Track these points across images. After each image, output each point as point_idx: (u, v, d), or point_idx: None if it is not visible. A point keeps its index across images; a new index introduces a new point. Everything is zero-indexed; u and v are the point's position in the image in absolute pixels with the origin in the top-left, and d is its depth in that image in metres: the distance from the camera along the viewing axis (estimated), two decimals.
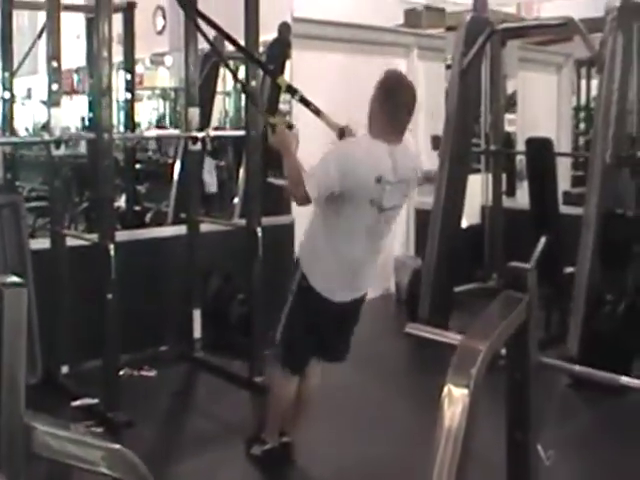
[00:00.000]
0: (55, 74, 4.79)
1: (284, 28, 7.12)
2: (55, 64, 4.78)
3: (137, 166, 8.74)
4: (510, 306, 2.30)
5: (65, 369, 5.16)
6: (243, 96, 6.45)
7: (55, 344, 5.07)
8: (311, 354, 3.82)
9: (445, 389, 1.92)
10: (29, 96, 12.66)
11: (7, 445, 1.67)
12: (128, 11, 6.38)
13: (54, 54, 4.77)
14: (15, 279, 1.69)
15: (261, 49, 7.57)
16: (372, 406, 4.86)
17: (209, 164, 7.76)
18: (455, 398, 1.90)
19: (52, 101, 4.80)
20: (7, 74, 5.68)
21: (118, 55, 8.41)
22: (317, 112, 3.90)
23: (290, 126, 3.87)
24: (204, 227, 5.70)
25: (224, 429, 4.71)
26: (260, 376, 5.05)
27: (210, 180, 7.86)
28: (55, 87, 4.80)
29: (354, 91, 7.04)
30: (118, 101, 9.84)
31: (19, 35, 6.95)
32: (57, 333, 5.07)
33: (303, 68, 6.76)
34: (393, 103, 3.47)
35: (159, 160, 8.76)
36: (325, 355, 3.84)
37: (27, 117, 12.19)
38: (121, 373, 5.17)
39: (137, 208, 6.80)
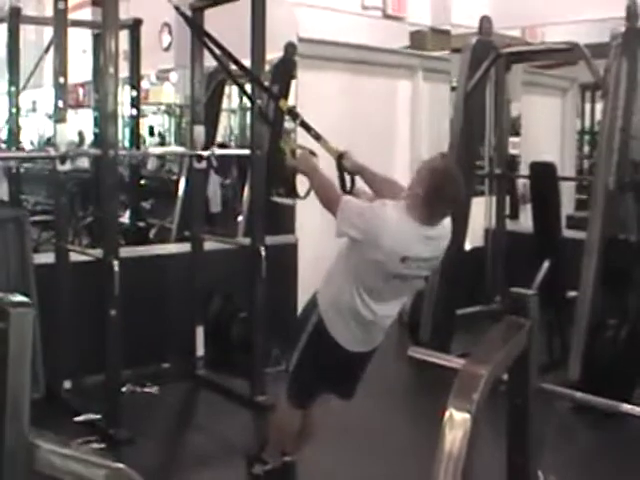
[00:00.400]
0: (61, 90, 4.82)
1: (290, 48, 7.16)
2: (62, 80, 4.81)
3: (142, 182, 8.82)
4: (512, 331, 2.32)
5: (67, 384, 5.17)
6: (248, 114, 6.44)
7: (58, 359, 5.09)
8: (318, 393, 3.82)
9: (447, 413, 1.93)
10: (34, 109, 12.72)
11: (10, 462, 1.69)
12: (134, 28, 6.41)
13: (61, 70, 4.80)
14: (21, 299, 1.70)
15: (267, 67, 7.70)
16: (374, 428, 4.85)
17: (214, 182, 7.79)
18: (456, 422, 1.91)
19: (58, 117, 4.83)
20: (14, 89, 5.69)
21: (124, 71, 8.48)
22: (317, 137, 3.91)
23: (313, 152, 3.88)
24: (208, 245, 5.71)
25: (225, 447, 4.71)
26: (262, 395, 5.06)
27: (215, 198, 7.89)
28: (61, 103, 4.84)
29: (359, 111, 7.14)
30: (124, 117, 9.93)
31: (27, 50, 6.98)
32: (59, 348, 5.08)
33: (308, 88, 6.80)
34: (439, 199, 3.32)
35: (164, 177, 8.80)
36: (332, 393, 3.84)
37: (32, 130, 12.25)
38: (124, 389, 5.19)
39: (141, 224, 6.79)
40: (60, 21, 4.84)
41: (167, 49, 11.33)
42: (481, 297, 6.84)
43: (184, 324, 5.67)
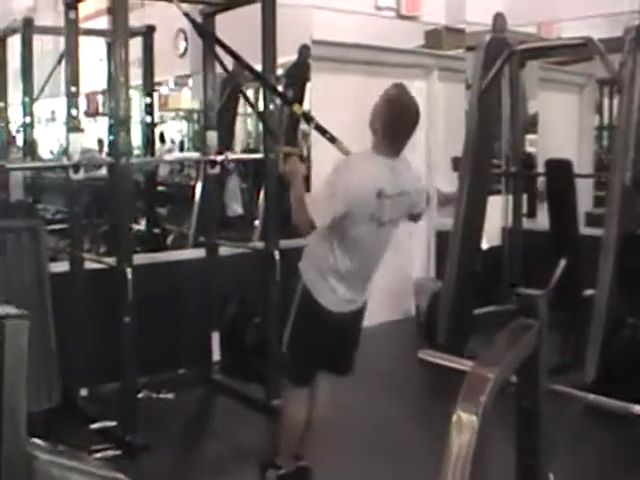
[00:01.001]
0: (74, 99, 4.83)
1: (304, 50, 7.16)
2: (74, 89, 4.82)
3: (160, 188, 8.84)
4: (520, 333, 2.29)
5: (84, 392, 5.17)
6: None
7: (74, 367, 5.09)
8: (316, 366, 3.83)
9: (454, 416, 1.92)
10: (53, 118, 12.82)
11: (8, 474, 1.68)
12: (147, 35, 6.41)
13: (73, 79, 4.82)
14: (16, 311, 1.71)
15: (280, 71, 7.69)
16: (386, 430, 4.83)
17: (235, 185, 7.79)
18: (464, 425, 1.90)
19: (71, 126, 4.84)
20: (28, 98, 5.70)
21: (139, 78, 8.53)
22: (332, 140, 3.95)
23: (302, 157, 3.92)
24: (224, 250, 5.70)
25: (240, 453, 4.70)
26: (277, 399, 5.04)
27: (235, 202, 7.89)
28: (74, 112, 4.85)
29: None
30: (142, 123, 9.98)
31: (44, 59, 7.02)
32: (76, 356, 5.08)
33: (323, 90, 6.79)
34: (397, 122, 3.51)
35: (182, 182, 8.80)
36: (330, 368, 3.85)
37: (52, 139, 12.33)
38: (140, 396, 5.19)
39: (156, 231, 6.80)
40: (71, 30, 4.86)
41: (183, 55, 11.39)
42: (498, 296, 6.78)
43: (200, 330, 5.65)
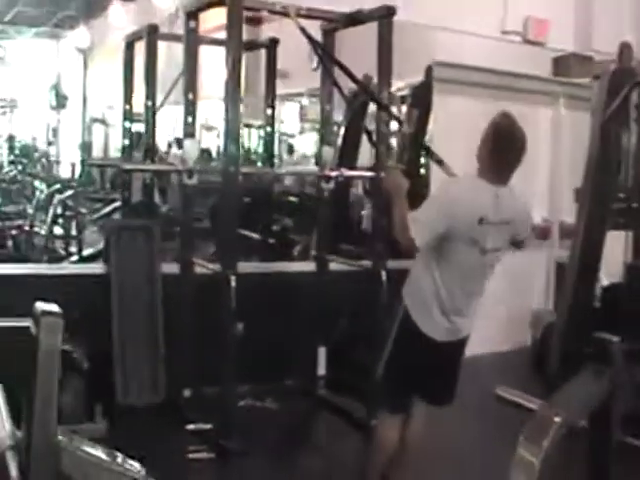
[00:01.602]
0: (190, 107, 4.99)
1: (430, 71, 7.15)
2: (191, 96, 4.98)
3: (291, 199, 8.93)
4: (592, 379, 2.25)
5: (187, 392, 5.30)
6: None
7: (179, 367, 5.24)
8: (412, 393, 3.81)
9: (515, 457, 1.92)
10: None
11: (38, 463, 1.78)
12: (271, 47, 6.54)
13: (190, 87, 4.97)
14: (51, 308, 1.82)
15: (406, 92, 7.70)
16: (480, 460, 4.76)
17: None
18: (524, 467, 1.89)
19: (186, 132, 5.00)
20: (150, 103, 5.91)
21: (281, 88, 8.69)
22: (439, 162, 3.98)
23: (405, 173, 3.93)
24: (335, 265, 5.74)
25: (332, 470, 4.74)
26: (375, 419, 5.04)
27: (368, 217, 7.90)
28: (190, 119, 5.00)
29: None
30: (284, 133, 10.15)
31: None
32: (182, 356, 5.23)
33: (444, 112, 6.78)
34: (503, 150, 3.51)
35: (312, 194, 8.86)
36: (428, 398, 3.82)
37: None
38: (242, 403, 5.29)
39: (271, 240, 6.91)
40: (190, 39, 5.01)
41: (316, 69, 11.53)
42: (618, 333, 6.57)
43: (306, 343, 5.72)
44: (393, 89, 7.71)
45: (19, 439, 1.87)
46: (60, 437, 1.86)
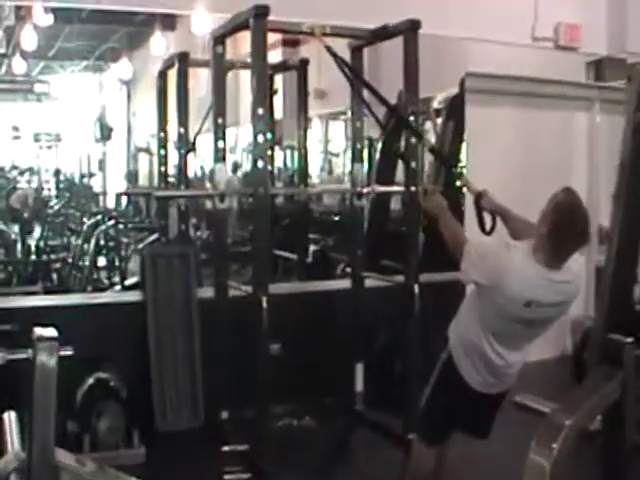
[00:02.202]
0: (220, 131, 5.02)
1: (464, 83, 7.12)
2: (220, 120, 5.02)
3: (334, 218, 8.95)
4: (603, 381, 2.21)
5: (225, 414, 5.31)
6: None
7: (217, 389, 5.25)
8: (450, 430, 3.78)
9: (527, 460, 1.90)
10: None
11: None
12: (301, 68, 6.57)
13: (219, 112, 5.01)
14: (48, 333, 1.85)
15: (436, 104, 7.69)
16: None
17: None
18: (535, 470, 1.89)
19: (216, 157, 5.03)
20: (183, 130, 5.98)
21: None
22: (459, 175, 3.94)
23: (441, 194, 3.92)
24: (371, 282, 5.72)
25: None
26: (412, 433, 5.01)
27: None
28: (220, 143, 5.04)
29: (532, 146, 6.98)
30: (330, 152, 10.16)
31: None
32: (220, 378, 5.22)
33: (478, 123, 6.73)
34: (563, 234, 3.29)
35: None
36: (465, 432, 3.79)
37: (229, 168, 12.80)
38: (280, 423, 5.30)
39: (308, 260, 6.92)
40: (218, 64, 5.05)
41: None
42: None
43: (344, 360, 5.68)
44: (434, 104, 7.81)
45: (23, 461, 1.90)
46: (58, 457, 1.88)
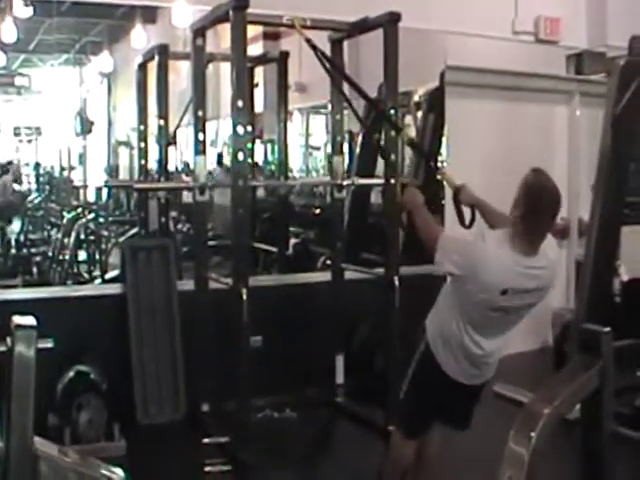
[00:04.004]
0: (200, 124, 5.02)
1: (443, 76, 7.14)
2: (200, 113, 5.01)
3: (314, 211, 8.96)
4: (581, 370, 2.23)
5: (205, 407, 5.31)
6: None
7: (198, 382, 5.28)
8: (429, 422, 3.77)
9: (506, 450, 1.92)
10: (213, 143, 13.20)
11: (15, 473, 1.79)
12: (282, 61, 6.57)
13: (199, 105, 5.00)
14: (26, 321, 1.85)
15: (416, 98, 7.70)
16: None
17: None
18: (515, 459, 1.90)
19: (197, 149, 5.02)
20: (163, 122, 5.97)
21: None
22: (437, 168, 3.96)
23: (419, 188, 3.93)
24: (351, 274, 5.74)
25: (349, 476, 4.70)
26: (393, 425, 5.03)
27: None
28: (200, 136, 5.03)
29: (512, 139, 7.00)
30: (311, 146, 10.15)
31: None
32: (201, 371, 5.26)
33: (458, 116, 6.75)
34: (535, 217, 3.30)
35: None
36: (445, 423, 3.79)
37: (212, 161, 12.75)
38: (261, 414, 5.31)
39: (288, 252, 6.93)
40: (198, 57, 5.04)
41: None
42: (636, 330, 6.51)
43: (324, 352, 5.71)
44: (414, 97, 7.82)
45: (1, 449, 1.89)
46: (38, 446, 1.88)
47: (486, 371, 3.62)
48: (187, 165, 8.75)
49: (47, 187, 12.64)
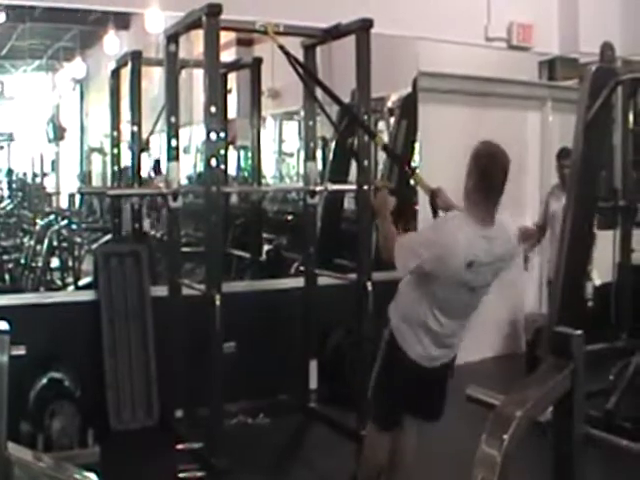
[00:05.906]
0: (173, 130, 5.00)
1: (416, 82, 7.16)
2: (173, 119, 5.00)
3: (288, 217, 8.93)
4: (553, 373, 2.24)
5: (179, 413, 5.29)
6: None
7: (171, 388, 5.27)
8: (401, 412, 3.80)
9: (477, 452, 1.91)
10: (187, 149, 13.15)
11: None
12: (255, 67, 6.58)
13: (172, 111, 4.99)
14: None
15: (389, 104, 7.71)
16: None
17: None
18: (486, 462, 1.89)
19: (170, 155, 5.01)
20: (136, 129, 5.95)
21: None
22: (412, 172, 3.97)
23: (392, 191, 3.94)
24: (324, 279, 5.74)
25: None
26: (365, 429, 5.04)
27: None
28: (174, 142, 5.02)
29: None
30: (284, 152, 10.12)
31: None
32: (174, 378, 5.24)
33: (431, 121, 6.78)
34: (487, 182, 3.38)
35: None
36: (416, 415, 3.81)
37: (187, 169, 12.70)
38: (234, 420, 5.31)
39: (261, 259, 6.93)
40: (171, 63, 5.03)
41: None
42: (608, 334, 6.56)
43: (298, 358, 5.71)
44: (387, 103, 7.84)
45: None
46: (11, 450, 1.86)
47: (447, 352, 3.67)
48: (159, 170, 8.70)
49: (19, 194, 12.52)
